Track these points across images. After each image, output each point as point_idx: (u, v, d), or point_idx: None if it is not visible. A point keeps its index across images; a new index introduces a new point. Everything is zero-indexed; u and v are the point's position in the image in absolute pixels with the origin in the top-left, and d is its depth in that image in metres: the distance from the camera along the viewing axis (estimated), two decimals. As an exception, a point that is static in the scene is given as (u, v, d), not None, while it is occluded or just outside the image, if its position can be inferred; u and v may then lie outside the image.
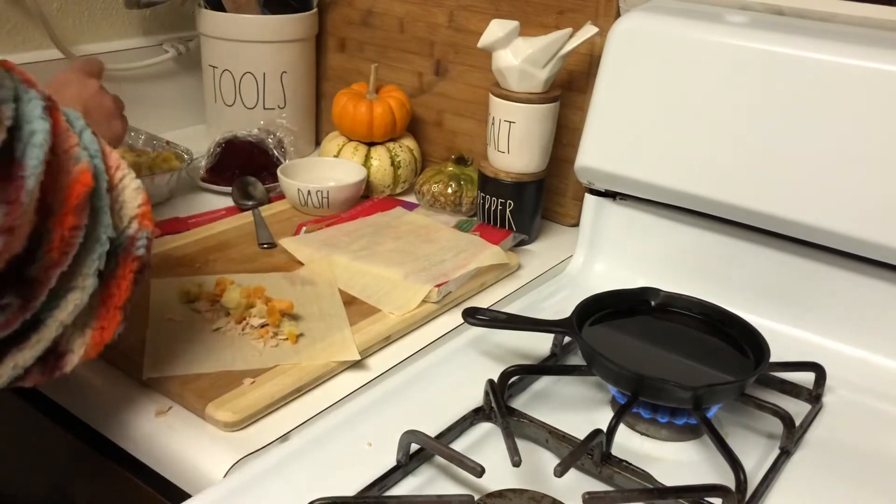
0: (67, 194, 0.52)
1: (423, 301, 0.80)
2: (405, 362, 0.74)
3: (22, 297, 0.51)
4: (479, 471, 0.54)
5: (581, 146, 0.88)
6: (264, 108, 1.15)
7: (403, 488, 0.59)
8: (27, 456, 0.84)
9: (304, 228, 0.94)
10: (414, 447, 0.60)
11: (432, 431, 0.61)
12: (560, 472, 0.55)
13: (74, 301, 0.54)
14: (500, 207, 0.96)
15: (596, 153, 0.87)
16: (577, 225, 0.97)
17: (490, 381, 0.66)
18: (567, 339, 0.76)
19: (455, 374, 0.73)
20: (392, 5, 1.11)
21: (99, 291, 0.56)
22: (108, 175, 0.57)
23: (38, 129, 0.49)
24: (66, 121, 0.55)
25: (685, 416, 0.65)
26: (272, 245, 0.90)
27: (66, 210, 0.52)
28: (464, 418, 0.65)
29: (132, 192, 0.59)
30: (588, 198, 0.92)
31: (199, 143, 1.10)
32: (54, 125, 0.52)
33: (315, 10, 1.16)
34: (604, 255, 0.92)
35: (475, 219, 0.99)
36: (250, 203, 1.00)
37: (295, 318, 0.75)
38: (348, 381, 0.70)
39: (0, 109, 0.47)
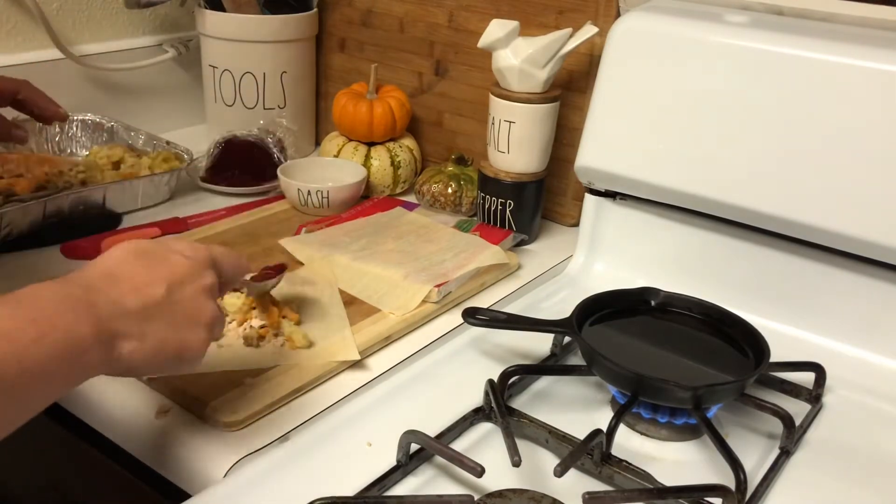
0: None
1: (423, 301, 0.80)
2: (405, 362, 0.74)
3: None
4: (479, 471, 0.54)
5: (581, 146, 0.88)
6: (264, 108, 1.15)
7: (403, 488, 0.59)
8: (26, 455, 0.84)
9: (304, 229, 0.94)
10: (414, 447, 0.60)
11: (432, 431, 0.61)
12: (560, 472, 0.55)
13: None
14: (500, 207, 0.96)
15: (596, 153, 0.87)
16: (577, 225, 0.97)
17: (490, 381, 0.66)
18: (567, 339, 0.76)
19: (455, 374, 0.73)
20: (392, 5, 1.11)
21: None
22: None
23: None
24: None
25: (685, 416, 0.65)
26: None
27: None
28: (464, 418, 0.65)
29: None
30: (588, 198, 0.92)
31: (199, 143, 1.10)
32: None
33: (315, 10, 1.16)
34: (604, 255, 0.92)
35: (475, 219, 0.99)
36: None
37: (295, 318, 0.75)
38: (348, 381, 0.70)
39: None
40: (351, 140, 1.08)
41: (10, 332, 0.42)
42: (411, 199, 1.06)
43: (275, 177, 1.03)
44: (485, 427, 0.66)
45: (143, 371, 0.51)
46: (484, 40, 0.90)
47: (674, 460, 0.65)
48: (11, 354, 0.42)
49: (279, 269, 0.76)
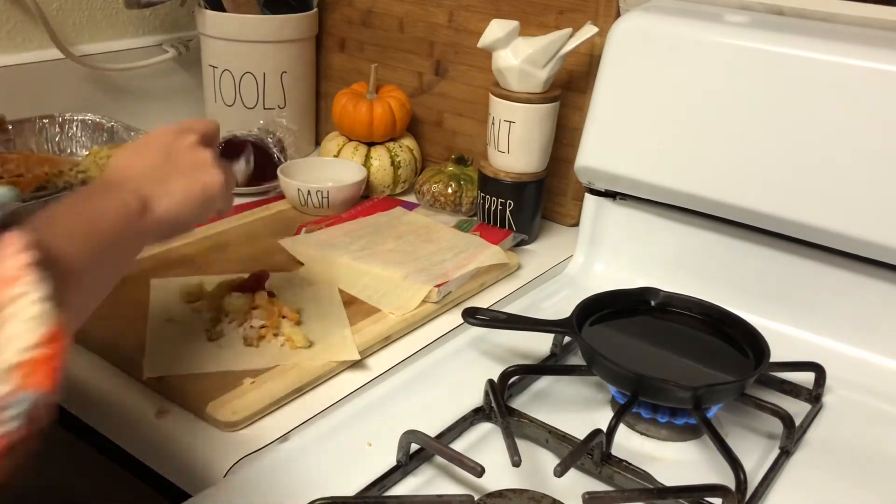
0: None
1: (423, 301, 0.80)
2: (405, 362, 0.74)
3: None
4: (479, 471, 0.54)
5: (581, 146, 0.88)
6: (264, 108, 1.15)
7: (403, 488, 0.59)
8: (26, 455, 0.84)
9: (304, 229, 0.94)
10: (414, 447, 0.60)
11: (432, 431, 0.61)
12: (560, 472, 0.55)
13: None
14: (500, 207, 0.96)
15: (596, 153, 0.87)
16: (577, 225, 0.97)
17: (490, 381, 0.66)
18: (567, 339, 0.76)
19: (455, 374, 0.73)
20: (392, 5, 1.11)
21: None
22: None
23: None
24: None
25: (685, 416, 0.65)
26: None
27: None
28: (464, 418, 0.65)
29: (23, 325, 0.37)
30: (588, 198, 0.92)
31: (198, 142, 1.10)
32: None
33: (315, 10, 1.16)
34: (604, 255, 0.92)
35: (475, 219, 0.99)
36: None
37: (295, 318, 0.75)
38: (348, 381, 0.70)
39: None
40: (351, 140, 1.08)
41: (84, 218, 0.51)
42: (411, 199, 1.06)
43: (275, 177, 1.03)
44: (485, 427, 0.66)
45: (184, 221, 0.59)
46: (484, 40, 0.90)
47: (674, 460, 0.65)
48: (96, 229, 0.50)
49: (259, 279, 0.77)
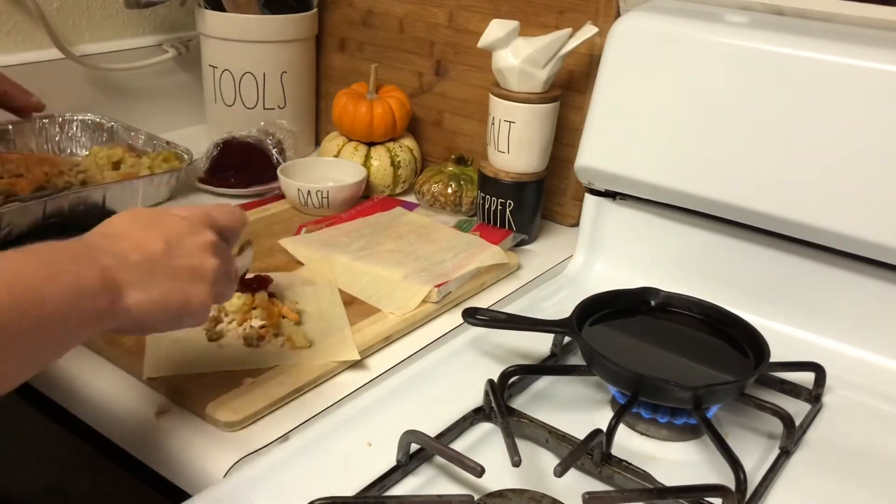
0: None
1: (423, 301, 0.80)
2: (405, 362, 0.74)
3: None
4: (479, 471, 0.54)
5: (581, 146, 0.88)
6: (264, 108, 1.15)
7: (403, 488, 0.59)
8: (27, 455, 0.84)
9: (304, 229, 0.94)
10: (414, 447, 0.60)
11: (432, 431, 0.61)
12: (560, 472, 0.55)
13: None
14: (500, 207, 0.96)
15: (596, 153, 0.87)
16: (577, 225, 0.97)
17: (490, 381, 0.66)
18: (567, 339, 0.76)
19: (455, 374, 0.73)
20: (392, 5, 1.11)
21: None
22: None
23: None
24: None
25: (685, 416, 0.65)
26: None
27: None
28: (464, 418, 0.65)
29: None
30: (588, 198, 0.92)
31: (199, 143, 1.10)
32: None
33: (315, 10, 1.16)
34: (604, 255, 0.92)
35: (475, 219, 0.99)
36: None
37: (295, 318, 0.75)
38: (348, 381, 0.70)
39: None
40: (351, 140, 1.08)
41: (25, 273, 0.44)
42: (411, 199, 1.06)
43: (273, 179, 1.03)
44: (485, 427, 0.66)
45: (149, 324, 0.52)
46: (484, 40, 0.90)
47: (674, 460, 0.65)
48: (29, 290, 0.43)
49: (261, 281, 0.77)
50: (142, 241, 0.52)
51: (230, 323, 0.73)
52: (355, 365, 0.72)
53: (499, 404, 0.63)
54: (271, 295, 0.76)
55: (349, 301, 0.80)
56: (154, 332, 0.55)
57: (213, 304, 0.56)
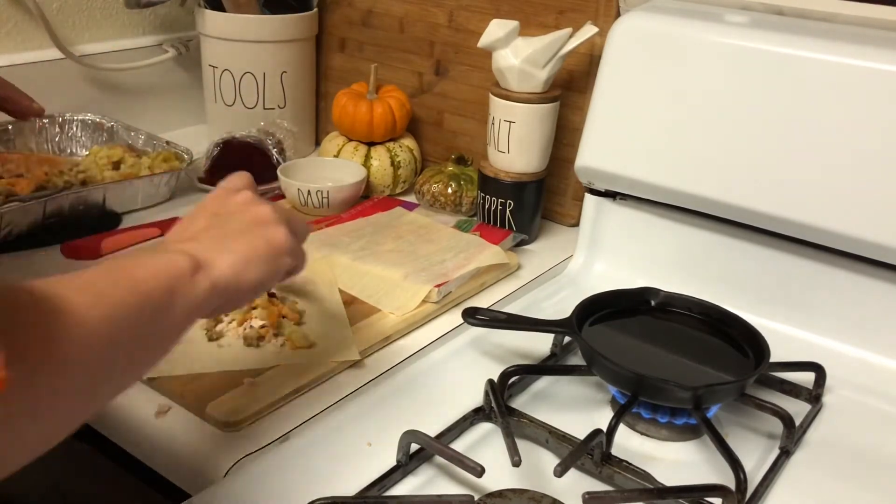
0: None
1: (423, 301, 0.80)
2: (405, 362, 0.74)
3: None
4: (479, 471, 0.54)
5: (581, 146, 0.88)
6: (264, 108, 1.15)
7: (403, 488, 0.59)
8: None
9: (304, 228, 0.94)
10: (414, 447, 0.60)
11: (432, 431, 0.61)
12: (560, 472, 0.55)
13: None
14: (500, 207, 0.96)
15: (596, 153, 0.87)
16: (577, 225, 0.97)
17: (490, 381, 0.66)
18: (567, 339, 0.76)
19: (455, 374, 0.73)
20: (392, 5, 1.11)
21: None
22: None
23: None
24: None
25: (685, 416, 0.65)
26: None
27: None
28: (464, 418, 0.65)
29: None
30: (588, 198, 0.92)
31: (199, 143, 1.10)
32: None
33: (315, 10, 1.16)
34: (604, 255, 0.92)
35: (475, 219, 0.99)
36: None
37: (295, 318, 0.75)
38: (348, 381, 0.70)
39: None
40: (351, 140, 1.08)
41: (120, 276, 0.43)
42: (411, 199, 1.06)
43: (273, 179, 1.03)
44: (485, 427, 0.66)
45: (251, 280, 0.52)
46: (484, 40, 0.90)
47: (674, 460, 0.65)
48: (134, 286, 0.43)
49: None
50: (193, 224, 0.54)
51: (230, 323, 0.73)
52: (355, 365, 0.72)
53: (499, 404, 0.63)
54: (271, 295, 0.76)
55: (349, 301, 0.80)
56: (262, 291, 0.55)
57: (295, 244, 0.56)
